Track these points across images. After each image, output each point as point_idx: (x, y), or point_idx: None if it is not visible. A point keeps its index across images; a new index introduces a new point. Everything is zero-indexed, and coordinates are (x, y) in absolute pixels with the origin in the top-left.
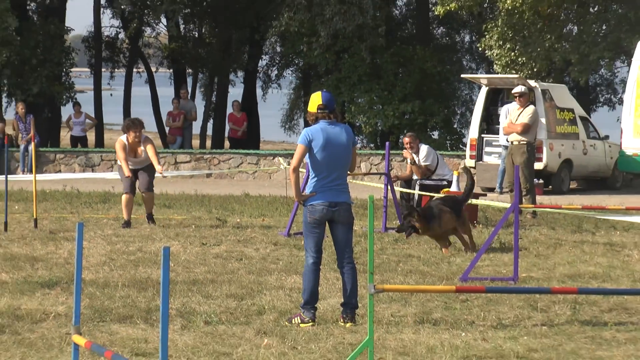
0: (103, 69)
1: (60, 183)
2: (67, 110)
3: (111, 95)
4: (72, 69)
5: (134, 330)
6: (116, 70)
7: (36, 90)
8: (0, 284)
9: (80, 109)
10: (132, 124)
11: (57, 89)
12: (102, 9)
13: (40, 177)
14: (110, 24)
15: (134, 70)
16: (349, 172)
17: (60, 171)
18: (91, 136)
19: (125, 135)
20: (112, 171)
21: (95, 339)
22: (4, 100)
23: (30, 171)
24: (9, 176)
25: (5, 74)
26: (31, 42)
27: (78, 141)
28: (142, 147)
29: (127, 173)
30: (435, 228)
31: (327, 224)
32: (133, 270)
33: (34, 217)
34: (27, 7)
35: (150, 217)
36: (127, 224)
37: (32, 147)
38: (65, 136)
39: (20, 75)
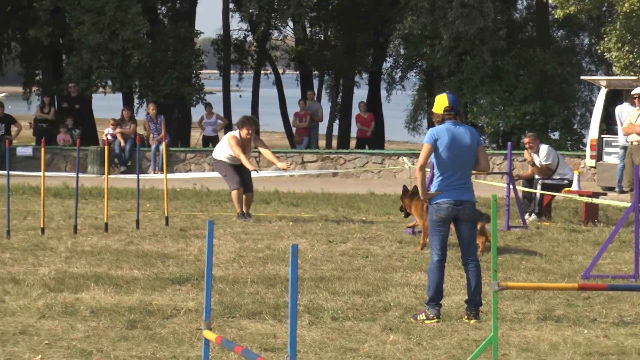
0: (232, 71)
1: (190, 182)
2: (196, 111)
3: (240, 96)
4: (201, 71)
5: (263, 326)
6: (244, 72)
7: (167, 91)
8: (132, 280)
9: (212, 110)
10: (247, 121)
11: (187, 90)
12: (230, 13)
13: (170, 176)
14: (238, 27)
15: (262, 72)
16: (483, 172)
17: (190, 170)
18: (222, 136)
19: (238, 131)
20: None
21: (225, 335)
22: (136, 101)
23: (161, 170)
24: (140, 175)
25: (137, 76)
26: (162, 45)
27: (210, 141)
28: (251, 145)
29: (250, 167)
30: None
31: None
32: (262, 267)
33: (165, 215)
34: (158, 11)
35: (248, 214)
36: (244, 214)
37: (163, 146)
38: (197, 137)
39: (152, 77)
